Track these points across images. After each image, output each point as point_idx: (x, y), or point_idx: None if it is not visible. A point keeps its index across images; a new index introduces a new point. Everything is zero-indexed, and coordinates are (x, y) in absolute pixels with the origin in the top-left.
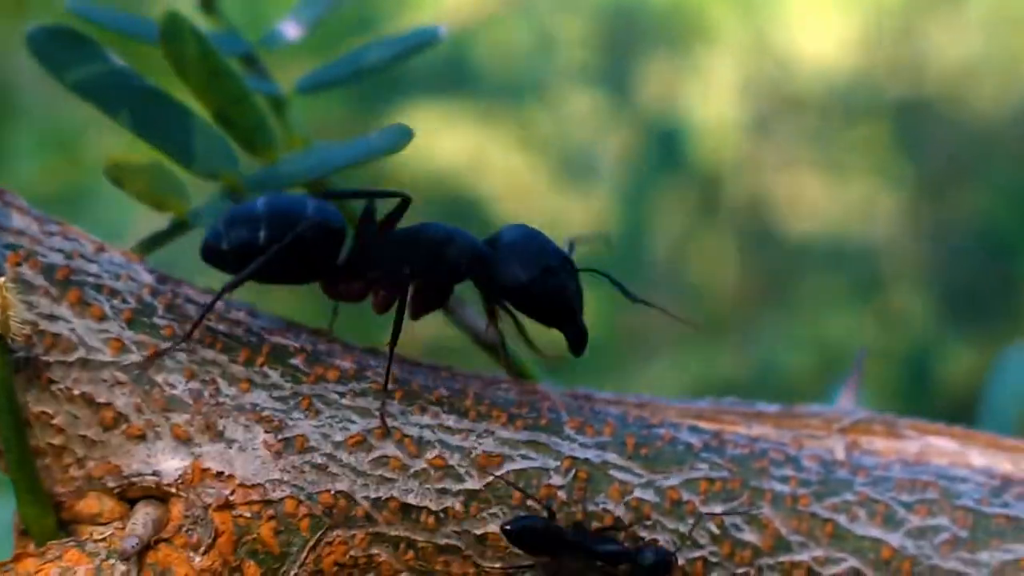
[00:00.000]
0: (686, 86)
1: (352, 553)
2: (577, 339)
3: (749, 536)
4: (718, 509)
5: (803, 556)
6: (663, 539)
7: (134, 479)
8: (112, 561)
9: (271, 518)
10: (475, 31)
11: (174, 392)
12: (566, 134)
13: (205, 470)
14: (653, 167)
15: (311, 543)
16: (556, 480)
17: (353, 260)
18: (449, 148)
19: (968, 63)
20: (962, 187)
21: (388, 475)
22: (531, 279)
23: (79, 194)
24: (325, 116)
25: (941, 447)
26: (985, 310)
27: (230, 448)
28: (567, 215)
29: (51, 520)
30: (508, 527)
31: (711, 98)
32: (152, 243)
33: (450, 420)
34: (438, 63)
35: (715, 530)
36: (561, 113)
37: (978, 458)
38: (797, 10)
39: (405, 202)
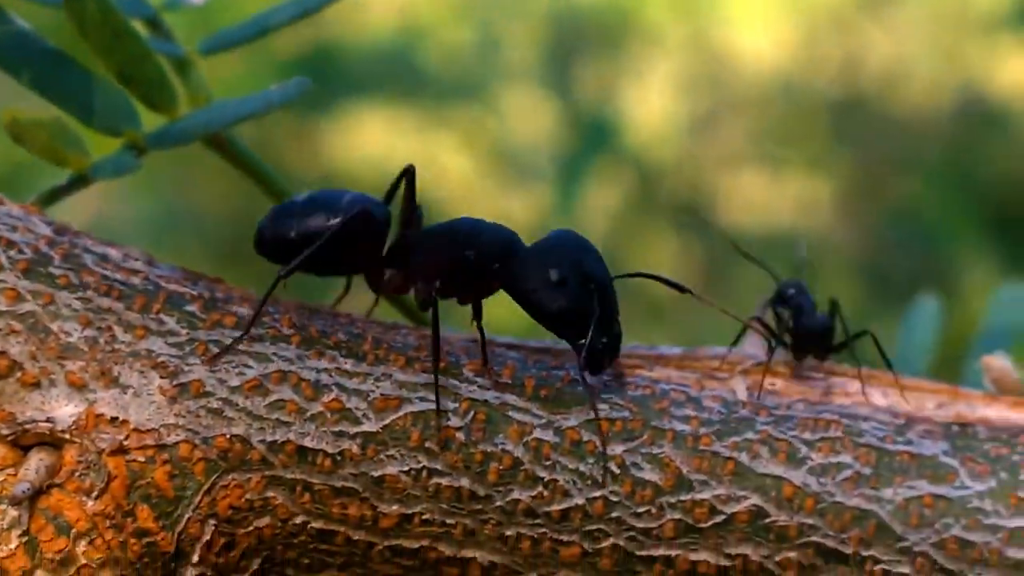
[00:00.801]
0: (625, 85)
1: (248, 496)
2: (586, 357)
3: (650, 475)
4: (619, 449)
5: (705, 495)
6: (563, 479)
7: (28, 426)
8: (3, 506)
9: (165, 462)
10: (420, 33)
11: (69, 339)
12: (509, 134)
13: (99, 416)
14: (592, 164)
15: (206, 487)
16: (454, 422)
17: (393, 253)
18: (395, 149)
19: (902, 60)
20: (895, 179)
21: (284, 419)
22: (534, 290)
23: None
24: (273, 125)
25: (844, 388)
26: (913, 297)
27: (125, 394)
28: (510, 213)
29: None
30: None
31: (651, 96)
32: (51, 197)
33: (348, 364)
34: (385, 65)
35: (615, 469)
36: (504, 113)
37: (881, 399)
38: (735, 9)
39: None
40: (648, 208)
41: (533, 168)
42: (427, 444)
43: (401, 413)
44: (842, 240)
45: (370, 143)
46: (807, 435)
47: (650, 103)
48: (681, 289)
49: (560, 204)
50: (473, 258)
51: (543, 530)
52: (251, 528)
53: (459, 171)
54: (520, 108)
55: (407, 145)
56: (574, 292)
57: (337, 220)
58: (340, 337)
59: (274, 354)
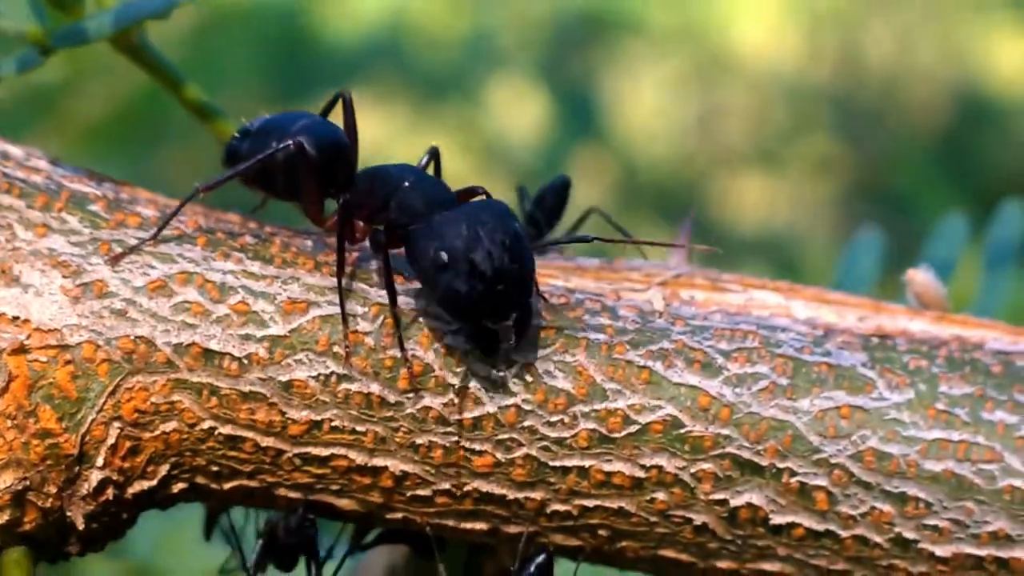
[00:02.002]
0: (618, 80)
1: (153, 400)
2: (471, 340)
3: (563, 383)
4: (532, 356)
5: (619, 404)
6: (474, 386)
7: None
8: None
9: (68, 363)
10: (411, 25)
11: None
12: (499, 131)
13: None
14: (578, 158)
15: (110, 389)
16: (364, 326)
17: (334, 187)
18: (380, 133)
19: (902, 54)
20: (893, 176)
21: (190, 320)
22: (422, 268)
23: None
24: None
25: (765, 300)
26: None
27: (26, 293)
28: None
29: None
30: None
31: (644, 91)
32: None
33: (255, 266)
34: (374, 57)
35: (528, 377)
36: (494, 109)
37: (803, 311)
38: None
39: None
40: (636, 204)
41: (522, 163)
42: (336, 349)
43: (309, 317)
44: (843, 239)
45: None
46: (723, 345)
47: (643, 99)
48: (586, 240)
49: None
50: (394, 210)
51: (455, 438)
52: (157, 432)
53: (451, 169)
54: (511, 103)
55: (398, 140)
56: (460, 277)
57: (277, 145)
58: (247, 240)
59: (179, 255)
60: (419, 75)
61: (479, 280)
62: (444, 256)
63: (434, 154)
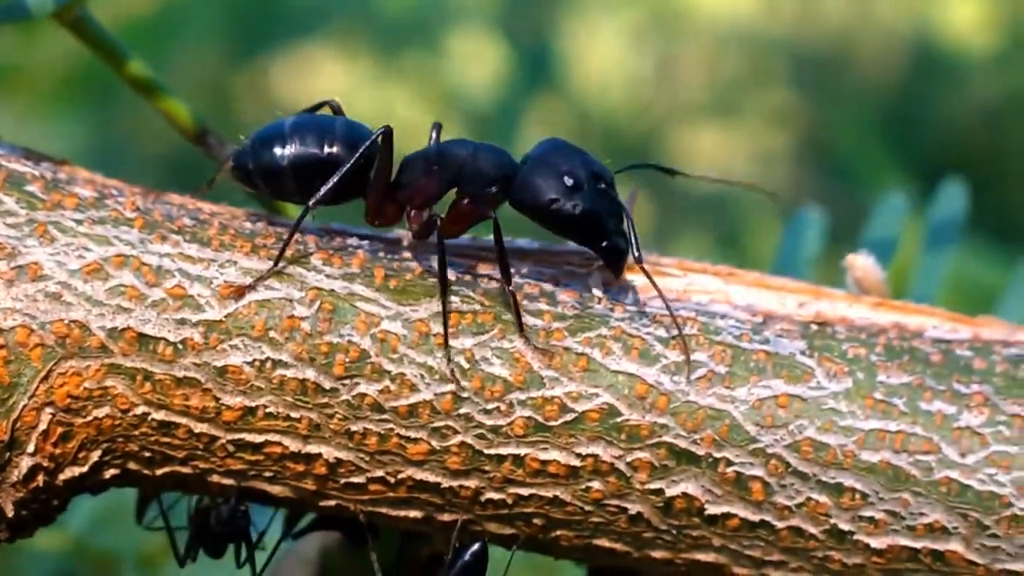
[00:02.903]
0: (576, 30)
1: (86, 385)
2: (610, 258)
3: (500, 370)
4: (468, 342)
5: (556, 391)
6: (410, 373)
7: None
8: None
9: (0, 347)
10: None
11: None
12: (458, 80)
13: None
14: (534, 108)
15: (43, 374)
16: (300, 311)
17: (386, 181)
18: (343, 84)
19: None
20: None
21: (125, 304)
22: (550, 199)
23: None
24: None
25: (704, 285)
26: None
27: None
28: None
29: None
30: None
31: (600, 42)
32: None
33: (192, 249)
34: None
35: (464, 364)
36: (453, 58)
37: (743, 297)
38: None
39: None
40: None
41: (480, 113)
42: (271, 334)
43: (245, 301)
44: (797, 192)
45: (326, 90)
46: (662, 332)
47: (600, 49)
48: (672, 172)
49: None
50: (472, 176)
51: (390, 426)
52: (90, 418)
53: (411, 119)
54: (470, 54)
55: (361, 90)
56: (589, 194)
57: (339, 146)
58: (185, 222)
59: (115, 237)
60: (380, 25)
61: (604, 192)
62: (570, 180)
63: (439, 128)
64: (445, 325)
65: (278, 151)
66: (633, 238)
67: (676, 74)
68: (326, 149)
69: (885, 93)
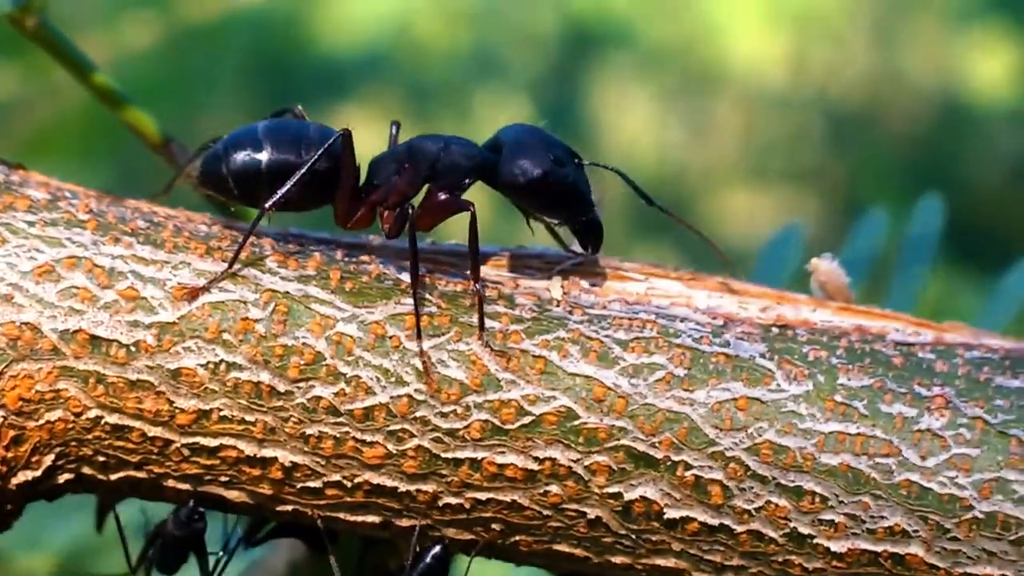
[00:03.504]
0: (610, 93)
1: (38, 388)
2: (592, 233)
3: (457, 373)
4: (425, 345)
5: (513, 394)
6: (366, 375)
7: None
8: None
9: None
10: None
11: None
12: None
13: None
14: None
15: None
16: (254, 313)
17: (354, 184)
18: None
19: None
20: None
21: (77, 306)
22: (541, 173)
23: None
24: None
25: (666, 289)
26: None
27: None
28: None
29: None
30: None
31: (635, 104)
32: None
33: (145, 251)
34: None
35: (421, 366)
36: (483, 122)
37: (704, 301)
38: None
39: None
40: (626, 218)
41: None
42: (225, 336)
43: (199, 303)
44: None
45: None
46: (621, 335)
47: (633, 113)
48: (649, 201)
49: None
50: (445, 168)
51: (346, 429)
52: (42, 421)
53: None
54: (500, 117)
55: None
56: (572, 170)
57: (315, 151)
58: (139, 224)
59: (68, 239)
60: (411, 89)
61: (582, 168)
62: (552, 156)
63: (398, 126)
64: (417, 319)
65: (253, 155)
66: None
67: (707, 135)
68: (302, 153)
69: (913, 149)
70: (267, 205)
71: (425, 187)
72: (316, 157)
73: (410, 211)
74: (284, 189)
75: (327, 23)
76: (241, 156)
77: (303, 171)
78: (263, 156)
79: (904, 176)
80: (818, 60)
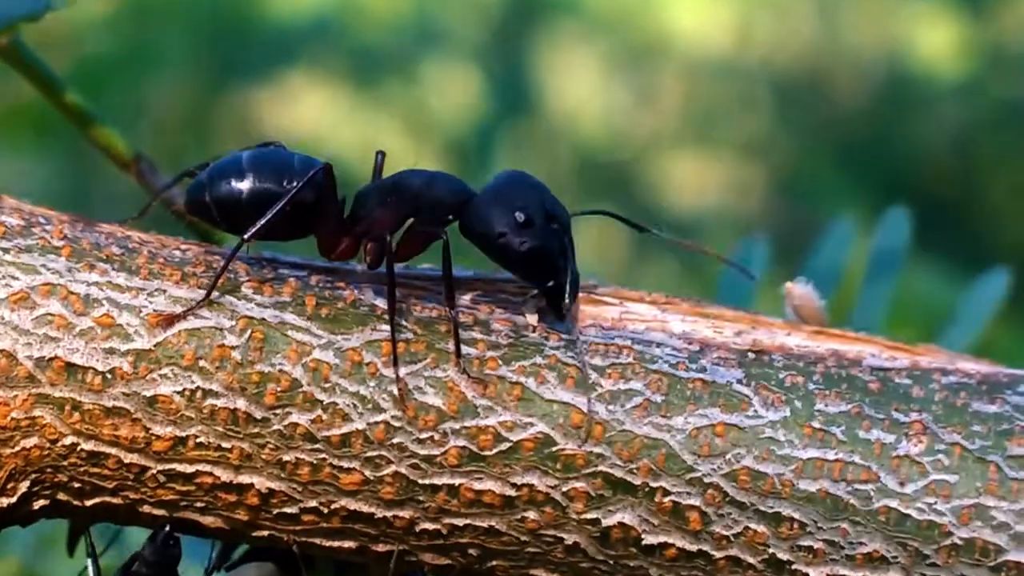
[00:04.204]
0: (554, 61)
1: (13, 415)
2: (552, 299)
3: (434, 399)
4: (402, 371)
5: (490, 420)
6: (342, 402)
7: None
8: None
9: None
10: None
11: None
12: (435, 109)
13: None
14: (510, 137)
15: None
16: (230, 340)
17: (341, 216)
18: (320, 115)
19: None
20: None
21: (52, 333)
22: (498, 232)
23: None
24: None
25: (641, 313)
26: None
27: None
28: None
29: None
30: None
31: (578, 72)
32: None
33: (120, 278)
34: (309, 32)
35: (398, 393)
36: (431, 88)
37: (679, 325)
38: None
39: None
40: (569, 184)
41: (458, 143)
42: (202, 363)
43: (175, 330)
44: (773, 224)
45: (303, 118)
46: (597, 360)
47: (578, 80)
48: (640, 228)
49: (480, 178)
50: (426, 211)
51: (323, 455)
52: (17, 448)
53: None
54: (449, 83)
55: (339, 121)
56: (540, 232)
57: (296, 182)
58: (113, 251)
59: (43, 266)
60: (359, 54)
61: (555, 232)
62: (521, 215)
63: (383, 156)
64: (394, 346)
65: (236, 184)
66: (571, 285)
67: (652, 103)
68: (284, 183)
69: (857, 119)
70: (246, 236)
71: (409, 221)
72: (296, 188)
73: (388, 241)
74: (264, 220)
75: None
76: (224, 185)
77: (283, 202)
78: (245, 185)
79: (849, 146)
80: (763, 29)
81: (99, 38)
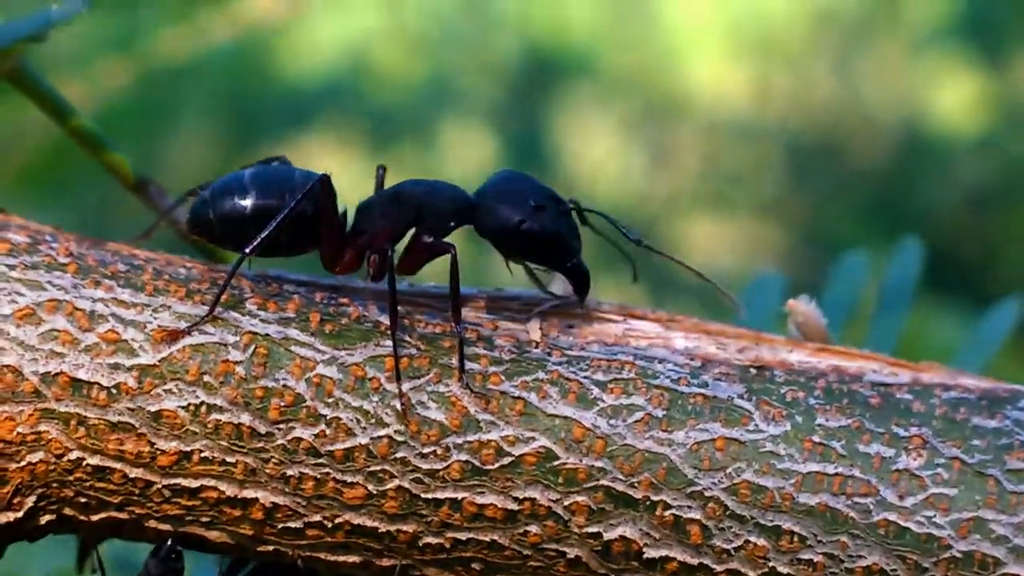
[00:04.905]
0: (569, 121)
1: (20, 430)
2: (578, 279)
3: (436, 414)
4: (405, 386)
5: (492, 435)
6: (346, 417)
7: None
8: None
9: None
10: (365, 63)
11: None
12: (450, 168)
13: None
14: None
15: None
16: (234, 355)
17: (343, 229)
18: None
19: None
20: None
21: (58, 349)
22: (519, 220)
23: None
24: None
25: (644, 330)
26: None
27: None
28: None
29: None
30: None
31: (595, 131)
32: None
33: (125, 294)
34: (326, 93)
35: (401, 407)
36: (449, 151)
37: (682, 342)
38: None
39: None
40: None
41: None
42: (206, 378)
43: (179, 346)
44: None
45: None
46: (599, 376)
47: (594, 141)
48: (636, 240)
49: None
50: (429, 213)
51: (326, 470)
52: (24, 463)
53: None
54: (464, 145)
55: (354, 183)
56: (555, 215)
57: (297, 195)
58: (119, 267)
59: (48, 282)
60: (374, 117)
61: (566, 214)
62: (534, 202)
63: (383, 171)
64: (396, 361)
65: (239, 201)
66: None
67: (669, 163)
68: (286, 198)
69: (875, 179)
70: (247, 250)
71: (411, 231)
72: (295, 202)
73: (390, 253)
74: (263, 233)
75: (289, 55)
76: (227, 202)
77: (281, 215)
78: (248, 202)
79: (865, 206)
80: (780, 89)
81: (119, 103)
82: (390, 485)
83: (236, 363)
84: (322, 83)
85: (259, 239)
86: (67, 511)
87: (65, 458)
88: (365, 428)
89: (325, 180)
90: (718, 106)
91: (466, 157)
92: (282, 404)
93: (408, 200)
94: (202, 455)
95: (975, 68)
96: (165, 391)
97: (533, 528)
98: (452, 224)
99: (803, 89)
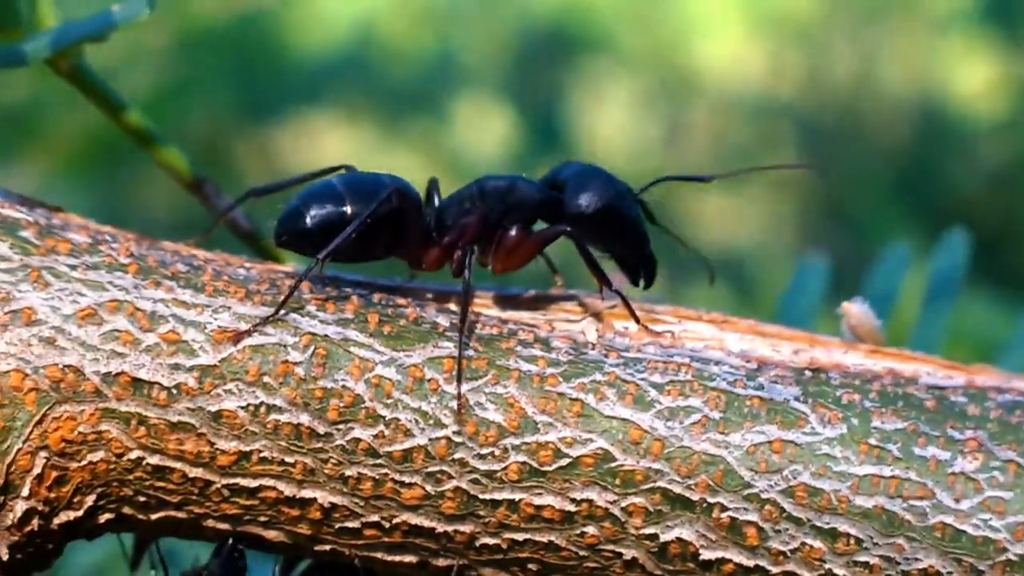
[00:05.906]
0: (583, 97)
1: (80, 429)
2: (649, 267)
3: (494, 415)
4: (463, 387)
5: (550, 436)
6: (404, 418)
7: None
8: None
9: None
10: (377, 41)
11: None
12: (465, 148)
13: None
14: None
15: (36, 418)
16: (294, 356)
17: (427, 229)
18: (347, 149)
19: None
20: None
21: (119, 349)
22: (609, 203)
23: None
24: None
25: (699, 332)
26: None
27: None
28: None
29: None
30: None
31: (609, 109)
32: None
33: (186, 295)
34: (340, 73)
35: (459, 409)
36: (460, 126)
37: (737, 344)
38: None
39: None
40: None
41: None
42: (265, 379)
43: (240, 346)
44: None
45: (330, 156)
46: (656, 378)
47: (608, 116)
48: (702, 179)
49: None
50: (511, 207)
51: (385, 471)
52: (84, 462)
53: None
54: (476, 120)
55: (365, 157)
56: (634, 204)
57: (390, 195)
58: (179, 268)
59: (110, 283)
60: (385, 92)
61: (640, 206)
62: (618, 187)
63: (436, 183)
64: (459, 360)
65: (336, 208)
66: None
67: (683, 140)
68: (381, 203)
69: (892, 159)
70: (320, 256)
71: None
72: (374, 207)
73: (470, 252)
74: (338, 239)
75: (298, 29)
76: (324, 211)
77: (357, 222)
78: (348, 208)
79: (882, 184)
80: (795, 66)
81: (126, 73)
82: (448, 486)
83: (296, 364)
84: (332, 57)
85: (332, 244)
86: (126, 510)
87: (125, 457)
88: (423, 429)
89: (408, 184)
90: (732, 83)
91: (480, 131)
92: (341, 405)
93: (493, 195)
94: (261, 455)
95: (995, 46)
96: (225, 391)
97: (590, 529)
98: (535, 216)
99: (819, 67)
